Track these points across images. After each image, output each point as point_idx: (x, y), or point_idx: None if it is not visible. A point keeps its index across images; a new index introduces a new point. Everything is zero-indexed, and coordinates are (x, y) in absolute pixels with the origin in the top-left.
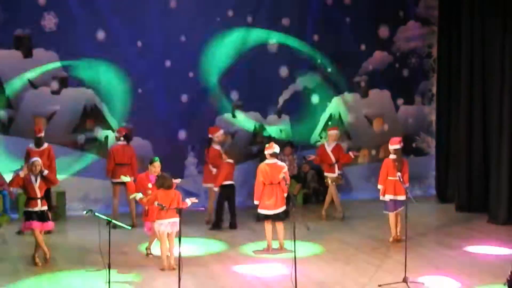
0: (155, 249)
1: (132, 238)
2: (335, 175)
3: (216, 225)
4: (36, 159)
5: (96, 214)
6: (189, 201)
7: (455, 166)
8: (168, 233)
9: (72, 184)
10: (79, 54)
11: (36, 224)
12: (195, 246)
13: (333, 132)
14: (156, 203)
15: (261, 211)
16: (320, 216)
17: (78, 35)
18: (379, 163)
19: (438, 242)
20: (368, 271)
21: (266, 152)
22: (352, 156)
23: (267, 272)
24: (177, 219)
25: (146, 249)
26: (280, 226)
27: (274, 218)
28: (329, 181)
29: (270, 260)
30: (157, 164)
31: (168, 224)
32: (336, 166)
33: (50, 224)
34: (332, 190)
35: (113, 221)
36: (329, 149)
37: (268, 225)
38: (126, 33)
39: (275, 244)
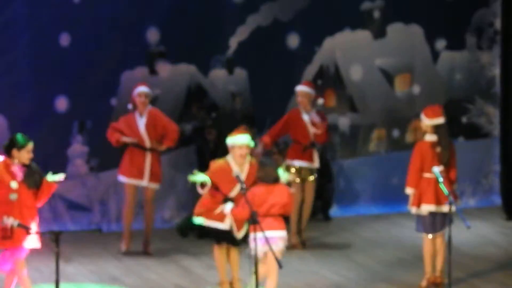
0: None
1: None
2: (315, 165)
3: None
4: None
5: None
6: None
7: None
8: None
9: None
10: None
11: None
12: None
13: (303, 89)
14: (15, 223)
15: (209, 223)
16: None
17: None
18: (406, 151)
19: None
20: None
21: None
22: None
23: None
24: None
25: None
26: (234, 253)
27: (232, 239)
28: (298, 177)
29: None
30: (30, 147)
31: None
32: (315, 150)
33: None
34: (309, 191)
35: None
36: (307, 118)
37: (220, 251)
38: None
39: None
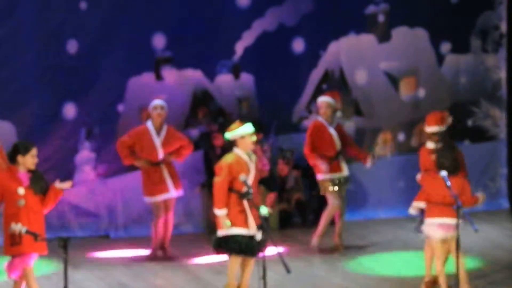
0: None
1: None
2: (345, 174)
3: None
4: None
5: None
6: None
7: None
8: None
9: None
10: None
11: None
12: None
13: (325, 100)
14: (23, 229)
15: (235, 230)
16: (309, 246)
17: None
18: (412, 155)
19: None
20: None
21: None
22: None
23: None
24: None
25: None
26: (250, 261)
27: (251, 250)
28: (330, 187)
29: None
30: (34, 152)
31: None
32: (342, 159)
33: None
34: (333, 202)
35: None
36: (332, 130)
37: (236, 260)
38: None
39: None
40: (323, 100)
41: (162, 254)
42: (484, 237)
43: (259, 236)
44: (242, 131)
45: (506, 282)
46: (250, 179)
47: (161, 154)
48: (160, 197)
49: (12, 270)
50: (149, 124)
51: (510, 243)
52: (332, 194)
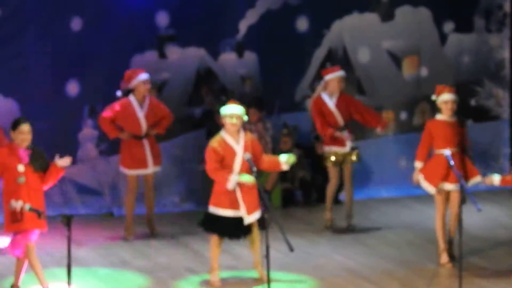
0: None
1: None
2: (346, 149)
3: None
4: None
5: None
6: None
7: None
8: None
9: None
10: None
11: None
12: (96, 281)
13: (342, 74)
14: (27, 206)
15: (220, 211)
16: (315, 225)
17: None
18: (414, 134)
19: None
20: None
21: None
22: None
23: None
24: None
25: (12, 287)
26: (257, 238)
27: (237, 233)
28: (333, 161)
29: None
30: (25, 129)
31: None
32: (346, 133)
33: None
34: (347, 176)
35: None
36: (331, 103)
37: (217, 243)
38: None
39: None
40: (340, 74)
41: (149, 232)
42: (486, 216)
43: (248, 219)
44: (224, 111)
45: (508, 261)
46: (237, 161)
47: (144, 127)
48: (137, 172)
49: (14, 247)
50: (132, 97)
51: (510, 222)
52: (330, 170)
